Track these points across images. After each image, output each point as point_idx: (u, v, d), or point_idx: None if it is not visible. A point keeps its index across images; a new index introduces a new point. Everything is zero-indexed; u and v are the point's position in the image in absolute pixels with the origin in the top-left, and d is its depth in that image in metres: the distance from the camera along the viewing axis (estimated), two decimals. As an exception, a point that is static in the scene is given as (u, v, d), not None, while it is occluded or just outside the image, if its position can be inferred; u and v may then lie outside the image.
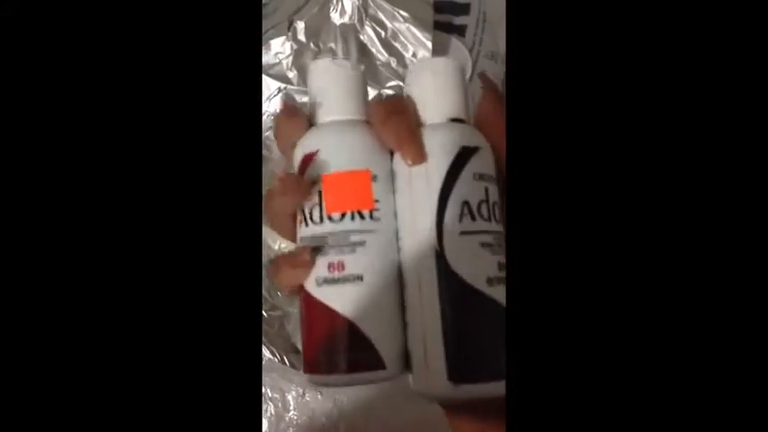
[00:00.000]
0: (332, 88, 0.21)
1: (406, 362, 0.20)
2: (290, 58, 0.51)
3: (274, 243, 0.45)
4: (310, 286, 0.20)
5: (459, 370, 0.18)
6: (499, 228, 0.19)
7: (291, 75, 0.51)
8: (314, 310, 0.19)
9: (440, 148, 0.19)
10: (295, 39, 0.51)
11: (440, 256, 0.18)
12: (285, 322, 0.44)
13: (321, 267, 0.19)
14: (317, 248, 0.19)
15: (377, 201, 0.19)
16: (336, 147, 0.20)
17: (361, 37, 0.51)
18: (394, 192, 0.20)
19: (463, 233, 0.18)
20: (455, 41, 0.55)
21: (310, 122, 0.22)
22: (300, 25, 0.51)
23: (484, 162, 0.19)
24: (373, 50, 0.51)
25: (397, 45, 0.51)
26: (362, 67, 0.21)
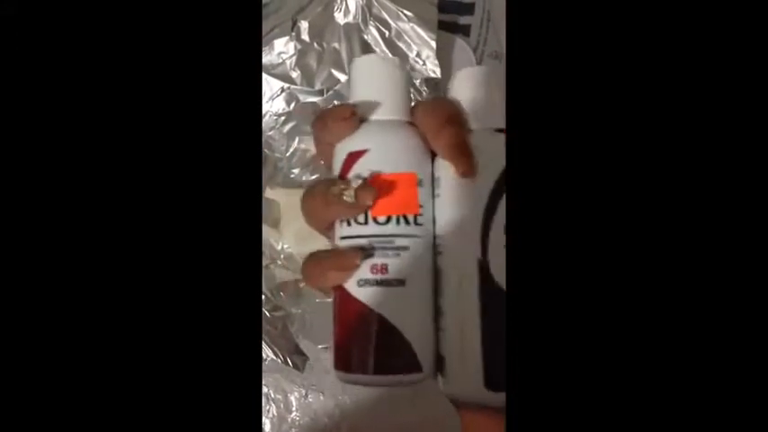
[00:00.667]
0: (383, 86, 0.20)
1: (439, 365, 0.20)
2: (294, 57, 0.51)
3: (277, 243, 0.45)
4: (350, 286, 0.19)
5: (497, 378, 0.18)
6: None
7: (295, 75, 0.51)
8: (352, 309, 0.19)
9: (489, 160, 0.19)
10: (298, 38, 0.51)
11: (483, 266, 0.18)
12: (288, 323, 0.44)
13: (363, 268, 0.19)
14: (366, 252, 0.19)
15: (421, 206, 0.19)
16: (386, 148, 0.19)
17: (365, 37, 0.51)
18: (434, 196, 0.20)
19: (507, 246, 0.18)
20: (459, 41, 0.54)
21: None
22: (304, 25, 0.51)
23: None
24: (377, 50, 0.51)
25: (401, 45, 0.51)
26: (408, 66, 0.21)
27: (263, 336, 0.42)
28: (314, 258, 0.21)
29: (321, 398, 0.44)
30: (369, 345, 0.19)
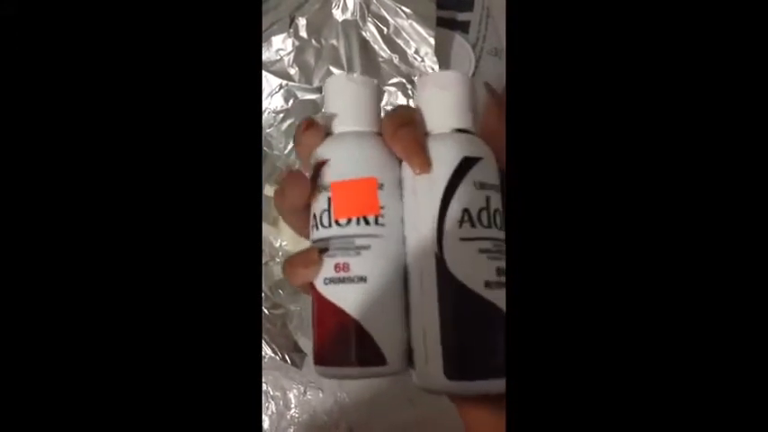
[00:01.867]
0: (345, 102, 0.22)
1: (410, 359, 0.21)
2: (292, 54, 0.51)
3: (276, 241, 0.45)
4: (319, 284, 0.21)
5: (454, 367, 0.19)
6: (500, 234, 0.20)
7: (293, 71, 0.51)
8: (322, 306, 0.21)
9: (443, 158, 0.20)
10: (297, 35, 0.51)
11: (440, 260, 0.19)
12: (287, 320, 0.44)
13: (328, 268, 0.21)
14: (323, 249, 0.21)
15: (383, 207, 0.20)
16: (345, 156, 0.21)
17: (364, 34, 0.51)
18: (402, 198, 0.21)
19: (463, 239, 0.19)
20: (458, 38, 0.54)
21: (327, 133, 0.23)
22: (302, 22, 0.51)
23: (486, 171, 0.20)
24: (375, 47, 0.51)
25: (399, 42, 0.51)
26: (375, 81, 0.22)
27: (263, 334, 0.42)
28: (287, 259, 0.22)
29: (320, 395, 0.44)
30: (334, 338, 0.20)
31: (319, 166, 0.21)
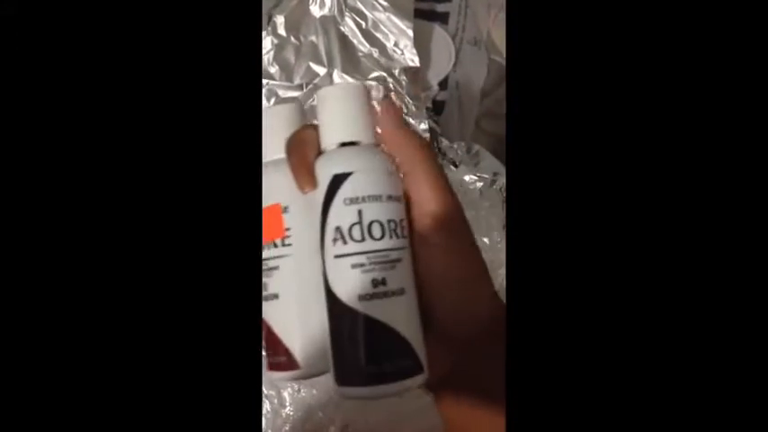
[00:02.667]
0: (264, 133, 0.23)
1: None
2: (272, 53, 0.51)
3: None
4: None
5: (340, 375, 0.21)
6: (378, 245, 0.20)
7: (273, 70, 0.50)
8: (262, 322, 0.23)
9: (319, 178, 0.21)
10: (275, 33, 0.51)
11: (325, 277, 0.21)
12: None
13: (263, 288, 0.23)
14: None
15: (288, 229, 0.22)
16: (264, 187, 0.23)
17: (342, 29, 0.51)
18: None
19: (336, 256, 0.20)
20: (438, 29, 0.54)
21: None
22: (280, 19, 0.51)
23: (358, 184, 0.20)
24: (355, 42, 0.51)
25: (378, 35, 0.51)
26: (293, 106, 0.24)
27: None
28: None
29: (314, 392, 0.44)
30: (266, 348, 0.23)
31: None
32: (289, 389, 0.44)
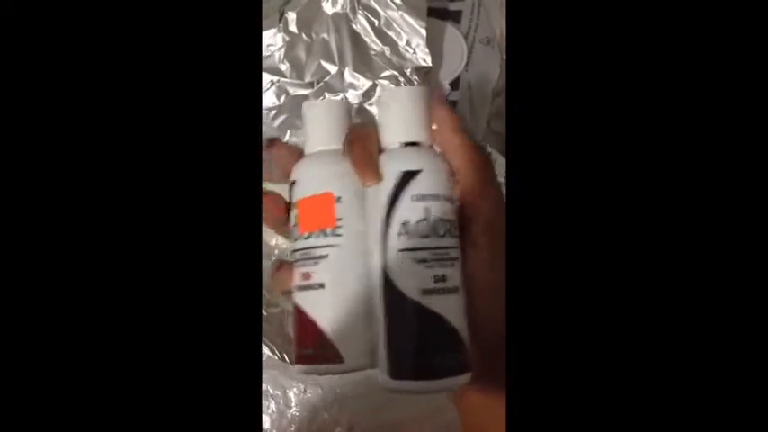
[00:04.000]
0: (311, 124, 0.24)
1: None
2: (282, 50, 0.50)
3: (271, 239, 0.45)
4: (294, 292, 0.23)
5: (396, 368, 0.21)
6: (442, 242, 0.21)
7: (284, 67, 0.50)
8: (295, 311, 0.23)
9: (386, 173, 0.21)
10: (287, 30, 0.50)
11: (384, 269, 0.21)
12: (284, 320, 0.44)
13: (298, 277, 0.23)
14: (285, 261, 0.24)
15: (339, 219, 0.22)
16: (308, 176, 0.23)
17: (354, 26, 0.50)
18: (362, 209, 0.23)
19: (401, 250, 0.21)
20: (450, 28, 0.54)
21: (301, 155, 0.25)
22: (292, 16, 0.50)
23: (426, 184, 0.21)
24: (367, 40, 0.50)
25: (390, 33, 0.50)
26: (342, 101, 0.24)
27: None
28: (272, 275, 0.25)
29: (320, 392, 0.44)
30: (301, 339, 0.22)
31: (290, 187, 0.24)
32: (294, 389, 0.44)
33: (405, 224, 0.21)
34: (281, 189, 0.45)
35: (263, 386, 0.44)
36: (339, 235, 0.22)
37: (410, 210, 0.21)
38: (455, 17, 0.55)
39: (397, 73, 0.49)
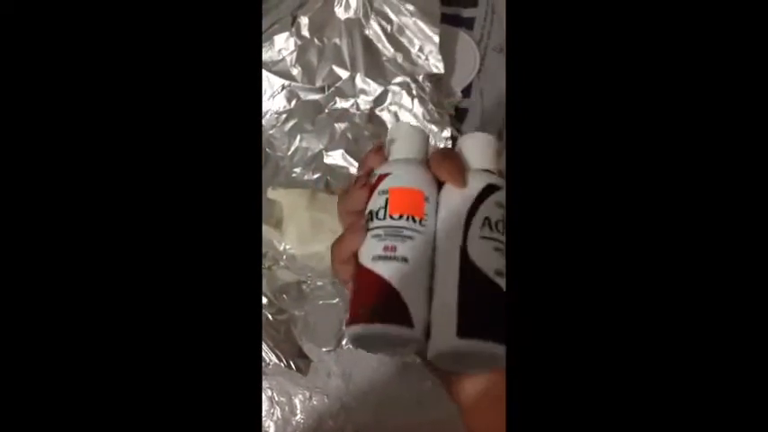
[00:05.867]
0: (403, 138, 0.29)
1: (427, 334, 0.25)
2: (294, 54, 0.50)
3: (279, 244, 0.45)
4: (366, 261, 0.26)
5: (466, 328, 0.24)
6: (504, 239, 0.26)
7: (296, 71, 0.50)
8: (367, 278, 0.26)
9: (474, 183, 0.27)
10: (299, 35, 0.50)
11: (463, 251, 0.25)
12: (291, 326, 0.43)
13: (377, 248, 0.26)
14: (376, 235, 0.26)
15: (426, 214, 0.27)
16: (403, 172, 0.28)
17: (367, 32, 0.50)
18: (437, 213, 0.27)
19: (482, 237, 0.25)
20: (463, 35, 0.53)
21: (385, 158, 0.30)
22: (304, 21, 0.50)
23: (502, 197, 0.27)
24: (379, 46, 0.50)
25: (403, 40, 0.50)
26: (426, 131, 0.30)
27: (267, 340, 0.42)
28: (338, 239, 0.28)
29: (325, 400, 0.44)
30: (374, 302, 0.25)
31: (382, 177, 0.27)
32: (300, 396, 0.44)
33: (487, 218, 0.26)
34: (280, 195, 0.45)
35: (269, 392, 0.44)
36: (424, 225, 0.26)
37: (493, 210, 0.26)
38: (468, 24, 0.55)
39: (408, 79, 0.49)
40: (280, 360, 0.42)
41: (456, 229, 0.26)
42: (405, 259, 0.25)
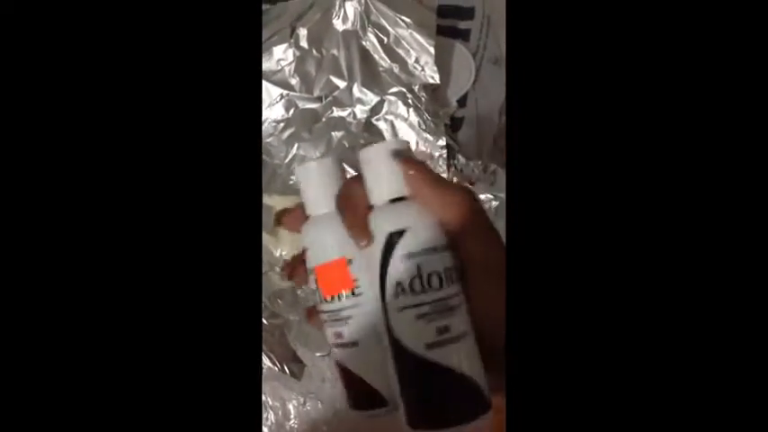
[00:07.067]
0: (307, 187, 0.25)
1: None
2: (293, 64, 0.51)
3: (275, 250, 0.45)
4: (332, 351, 0.25)
5: (412, 419, 0.22)
6: (438, 294, 0.22)
7: (294, 81, 0.51)
8: (336, 366, 0.25)
9: (376, 235, 0.22)
10: (297, 46, 0.51)
11: (388, 327, 0.22)
12: (286, 330, 0.44)
13: (330, 336, 0.24)
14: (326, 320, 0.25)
15: (356, 279, 0.23)
16: (317, 242, 0.24)
17: (364, 43, 0.51)
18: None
19: (401, 308, 0.22)
20: (459, 46, 0.54)
21: (307, 216, 0.26)
22: (303, 32, 0.51)
23: (413, 240, 0.22)
24: (376, 57, 0.51)
25: (399, 51, 0.51)
26: (330, 161, 0.25)
27: (261, 345, 0.42)
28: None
29: (319, 406, 0.44)
30: (349, 390, 0.24)
31: (303, 253, 0.25)
32: (294, 401, 0.44)
33: (399, 284, 0.21)
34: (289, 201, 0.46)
35: (263, 397, 0.44)
36: (359, 294, 0.23)
37: (401, 269, 0.21)
38: (464, 36, 0.56)
39: (405, 89, 0.50)
40: (274, 364, 0.42)
41: (375, 303, 0.22)
42: (354, 343, 0.23)
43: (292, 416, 0.44)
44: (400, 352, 0.21)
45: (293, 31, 0.51)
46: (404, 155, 0.23)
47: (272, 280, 0.45)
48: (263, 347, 0.42)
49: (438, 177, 0.23)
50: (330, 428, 0.44)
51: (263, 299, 0.44)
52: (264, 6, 0.54)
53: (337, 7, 0.51)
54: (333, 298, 0.23)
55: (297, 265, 0.26)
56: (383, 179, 0.23)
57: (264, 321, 0.43)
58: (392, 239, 0.22)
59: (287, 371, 0.42)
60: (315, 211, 0.25)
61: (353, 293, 0.23)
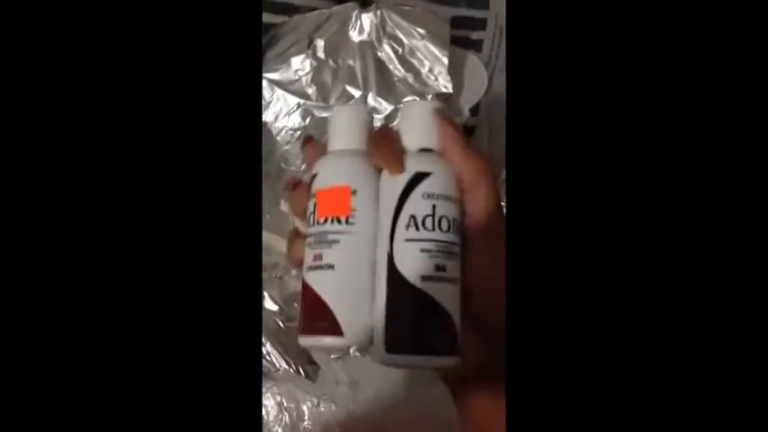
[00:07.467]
0: (334, 126, 0.27)
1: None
2: (310, 74, 0.52)
3: (282, 247, 0.46)
4: (304, 272, 0.25)
5: (393, 343, 0.23)
6: (445, 237, 0.24)
7: (311, 91, 0.52)
8: (304, 289, 0.25)
9: (404, 172, 0.24)
10: (314, 56, 0.52)
11: (390, 256, 0.24)
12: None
13: (309, 257, 0.25)
14: (309, 243, 0.26)
15: (354, 210, 0.25)
16: (328, 170, 0.26)
17: (379, 54, 0.52)
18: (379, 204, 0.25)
19: (407, 240, 0.24)
20: (471, 57, 0.55)
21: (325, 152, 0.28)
22: (320, 43, 0.53)
23: (434, 184, 0.24)
24: (391, 67, 0.52)
25: (413, 61, 0.52)
26: (364, 108, 0.27)
27: (277, 346, 0.43)
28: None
29: (333, 407, 0.45)
30: (306, 313, 0.25)
31: (312, 178, 0.26)
32: (308, 402, 0.45)
33: (412, 217, 0.23)
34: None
35: (278, 398, 0.45)
36: (352, 224, 0.24)
37: (419, 205, 0.23)
38: (477, 46, 0.57)
39: (418, 98, 0.51)
40: (289, 366, 0.43)
41: (384, 231, 0.24)
42: (330, 266, 0.24)
43: (306, 417, 0.45)
44: (396, 278, 0.23)
45: (311, 42, 0.53)
46: (440, 114, 0.25)
47: (289, 284, 0.46)
48: (280, 350, 0.43)
49: (466, 141, 0.25)
50: (343, 430, 0.45)
51: (280, 302, 0.45)
52: (282, 18, 0.55)
53: (354, 19, 0.53)
54: (326, 220, 0.24)
55: (301, 186, 0.27)
56: (419, 130, 0.25)
57: (281, 324, 0.44)
58: (416, 178, 0.24)
59: (302, 372, 0.43)
60: (334, 147, 0.26)
61: (347, 221, 0.24)
